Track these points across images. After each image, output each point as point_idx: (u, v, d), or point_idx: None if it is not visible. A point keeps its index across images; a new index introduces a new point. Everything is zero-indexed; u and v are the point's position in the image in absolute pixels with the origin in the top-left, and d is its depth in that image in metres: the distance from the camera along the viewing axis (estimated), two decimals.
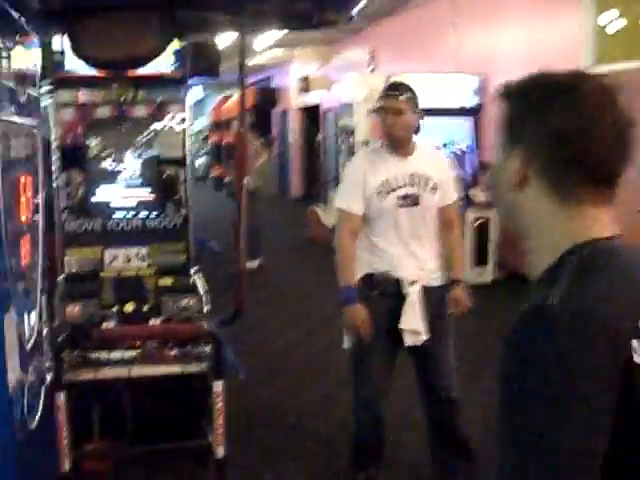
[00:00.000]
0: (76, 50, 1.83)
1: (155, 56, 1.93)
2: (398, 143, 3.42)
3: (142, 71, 4.20)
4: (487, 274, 8.20)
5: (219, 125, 21.45)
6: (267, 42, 11.34)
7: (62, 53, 4.16)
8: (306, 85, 13.33)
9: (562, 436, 1.01)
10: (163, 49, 1.89)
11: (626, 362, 1.02)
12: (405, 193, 3.40)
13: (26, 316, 1.94)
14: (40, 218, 2.20)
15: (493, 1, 8.98)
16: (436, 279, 3.53)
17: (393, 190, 3.38)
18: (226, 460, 3.50)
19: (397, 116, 3.34)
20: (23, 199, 1.92)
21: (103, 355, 3.56)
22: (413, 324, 3.38)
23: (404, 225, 3.42)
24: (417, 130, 3.45)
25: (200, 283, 4.23)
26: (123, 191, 4.43)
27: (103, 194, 4.42)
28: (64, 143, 4.29)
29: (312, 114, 14.18)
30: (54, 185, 4.30)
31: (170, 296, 4.08)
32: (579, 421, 1.01)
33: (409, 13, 10.60)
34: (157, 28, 1.83)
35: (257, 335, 6.30)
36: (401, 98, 3.36)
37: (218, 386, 3.43)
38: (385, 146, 3.47)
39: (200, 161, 22.72)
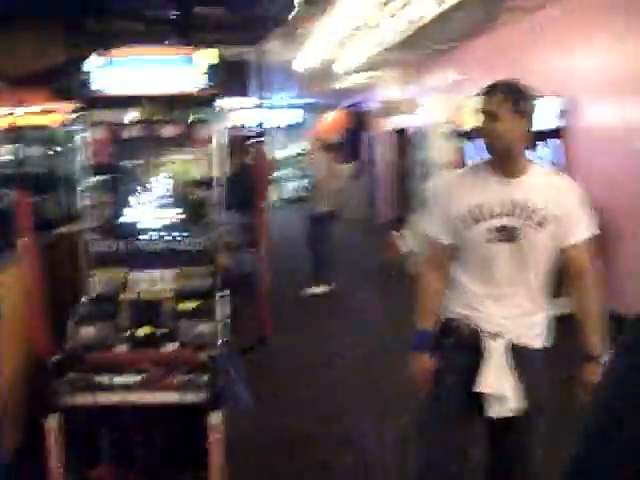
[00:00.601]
0: None
1: (63, 69, 1.80)
2: (499, 157, 2.69)
3: (173, 90, 4.17)
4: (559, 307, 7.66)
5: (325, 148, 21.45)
6: (350, 65, 11.22)
7: (91, 73, 4.16)
8: (391, 108, 13.11)
9: None
10: (71, 62, 1.75)
11: None
12: (500, 224, 2.68)
13: None
14: None
15: (582, 20, 8.51)
16: (534, 338, 2.80)
17: (485, 219, 2.70)
18: None
19: (491, 121, 2.63)
20: None
21: (104, 380, 3.46)
22: (495, 388, 2.68)
23: (496, 264, 2.73)
24: (529, 144, 2.72)
25: (221, 309, 4.09)
26: (151, 212, 4.37)
27: (131, 215, 4.37)
28: (94, 162, 4.27)
29: (400, 137, 13.95)
30: (81, 204, 4.29)
31: (187, 321, 3.95)
32: None
33: (497, 33, 10.23)
34: (60, 41, 1.71)
35: (308, 358, 6.08)
36: (495, 99, 2.64)
37: (215, 418, 3.25)
38: (489, 163, 2.75)
39: (295, 184, 22.80)
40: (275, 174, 16.55)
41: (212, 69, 4.14)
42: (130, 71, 4.20)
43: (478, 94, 2.75)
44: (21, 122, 7.27)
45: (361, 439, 4.46)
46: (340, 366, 5.98)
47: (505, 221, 2.68)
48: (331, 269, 9.07)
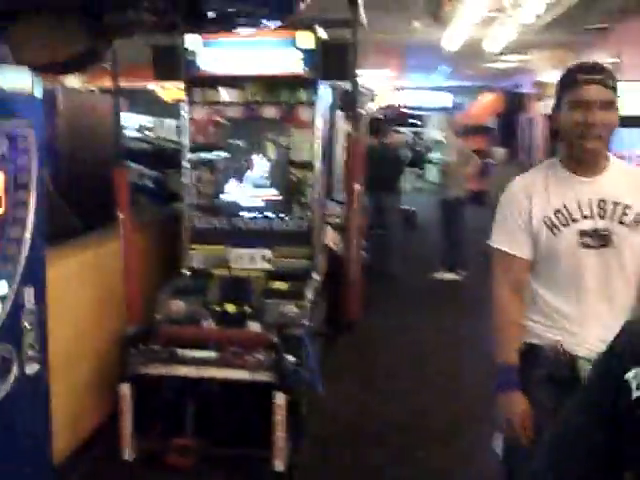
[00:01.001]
0: (13, 55, 1.79)
1: (82, 60, 1.82)
2: (589, 154, 2.31)
3: (274, 71, 4.17)
4: None
5: (469, 131, 20.91)
6: (500, 44, 10.76)
7: (194, 53, 4.23)
8: (545, 91, 12.47)
9: None
10: (90, 53, 1.77)
11: None
12: (592, 227, 2.31)
13: None
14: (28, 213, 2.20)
15: None
16: None
17: (574, 221, 2.32)
18: (289, 475, 3.30)
19: (604, 111, 2.21)
20: None
21: (181, 353, 3.53)
22: None
23: (590, 275, 2.32)
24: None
25: (312, 290, 4.06)
26: (251, 191, 4.41)
27: (231, 193, 4.42)
28: (196, 141, 4.36)
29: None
30: (184, 182, 4.39)
31: (274, 301, 3.97)
32: None
33: None
34: (77, 31, 1.72)
35: (416, 347, 5.92)
36: (608, 84, 2.22)
37: (279, 398, 3.24)
38: (565, 160, 2.37)
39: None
40: (428, 156, 16.22)
41: (311, 51, 4.08)
42: (233, 52, 4.23)
43: (575, 80, 2.25)
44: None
45: (457, 438, 4.28)
46: (450, 359, 5.77)
47: (597, 223, 2.29)
48: (462, 256, 8.78)
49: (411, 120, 18.92)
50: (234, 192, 4.42)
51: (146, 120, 11.78)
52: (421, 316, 6.74)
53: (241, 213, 4.40)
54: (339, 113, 7.56)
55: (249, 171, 4.40)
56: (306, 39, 4.10)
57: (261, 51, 4.20)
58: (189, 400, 3.74)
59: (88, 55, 1.80)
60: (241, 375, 3.40)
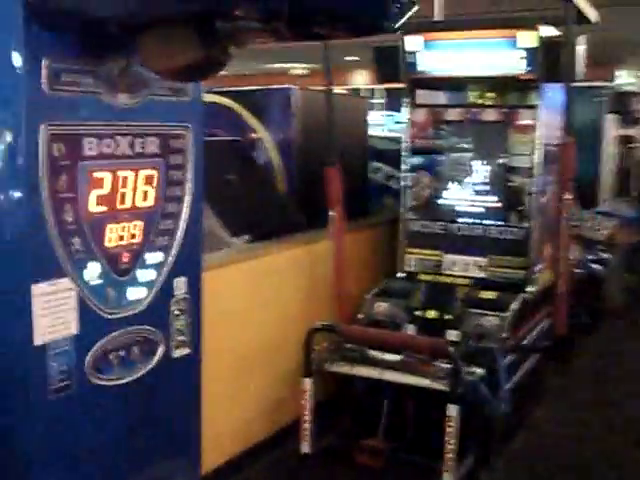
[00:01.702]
0: (142, 62, 1.95)
1: (200, 67, 1.89)
2: None
3: (494, 73, 4.02)
4: None
5: None
6: None
7: (415, 54, 4.21)
8: None
9: None
10: (207, 60, 1.84)
11: None
12: None
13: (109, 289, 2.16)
14: (184, 207, 2.38)
15: None
16: None
17: None
18: None
19: None
20: (125, 190, 2.14)
21: (368, 353, 3.56)
22: None
23: None
24: None
25: (520, 303, 3.86)
26: (470, 197, 4.29)
27: (449, 198, 4.34)
28: (415, 143, 4.34)
29: None
30: (401, 184, 4.41)
31: (477, 311, 3.84)
32: None
33: None
34: (191, 40, 1.81)
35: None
36: None
37: (451, 410, 3.12)
38: None
39: None
40: None
41: (533, 52, 3.84)
42: (454, 54, 4.14)
43: None
44: None
45: None
46: None
47: None
48: None
49: None
50: (453, 197, 4.33)
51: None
52: None
53: (459, 219, 4.29)
54: (608, 116, 7.02)
55: (468, 176, 4.28)
56: (528, 39, 3.88)
57: (482, 52, 4.05)
58: (384, 402, 3.76)
59: (205, 62, 1.89)
60: (421, 382, 3.33)
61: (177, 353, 2.42)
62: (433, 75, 4.22)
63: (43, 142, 1.91)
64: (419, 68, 4.22)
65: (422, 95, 4.32)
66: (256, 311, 3.70)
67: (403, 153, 4.37)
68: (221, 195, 4.35)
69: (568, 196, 3.79)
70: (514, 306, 3.82)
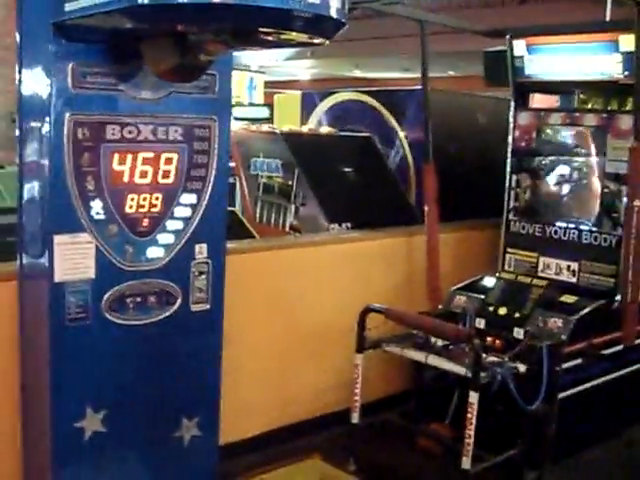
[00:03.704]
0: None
1: (181, 72, 2.33)
2: None
3: (595, 77, 4.05)
4: None
5: None
6: None
7: (523, 58, 4.31)
8: None
9: None
10: (184, 66, 2.28)
11: None
12: None
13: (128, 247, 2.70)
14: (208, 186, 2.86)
15: None
16: None
17: None
18: (471, 473, 3.34)
19: None
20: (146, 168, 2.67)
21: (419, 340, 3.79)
22: None
23: None
24: None
25: (589, 309, 3.87)
26: (565, 200, 4.32)
27: (546, 201, 4.39)
28: (517, 146, 4.44)
29: None
30: (506, 186, 4.52)
31: (546, 312, 3.90)
32: None
33: None
34: (168, 49, 2.25)
35: None
36: None
37: (472, 397, 3.29)
38: None
39: None
40: None
41: (631, 55, 3.78)
42: (556, 58, 4.17)
43: None
44: None
45: None
46: None
47: None
48: None
49: None
50: (552, 200, 4.37)
51: None
52: None
53: (556, 222, 4.33)
54: None
55: (567, 181, 4.30)
56: (630, 42, 3.84)
57: (584, 56, 4.06)
58: (455, 389, 3.95)
59: (185, 66, 2.36)
60: (453, 368, 3.51)
61: (196, 307, 2.91)
62: (537, 79, 4.28)
63: (68, 128, 2.49)
64: (524, 72, 4.30)
65: (526, 99, 4.40)
66: (342, 291, 4.10)
67: (508, 155, 4.47)
68: (329, 185, 4.80)
69: (638, 203, 3.71)
70: (584, 311, 3.82)
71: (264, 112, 10.91)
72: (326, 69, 20.27)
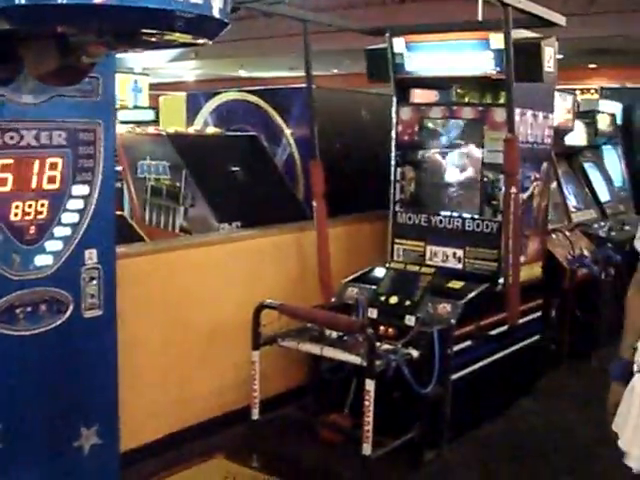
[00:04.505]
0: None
1: (62, 74, 2.31)
2: None
3: (469, 73, 4.23)
4: None
5: None
6: None
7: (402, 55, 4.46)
8: None
9: None
10: (66, 68, 2.26)
11: None
12: None
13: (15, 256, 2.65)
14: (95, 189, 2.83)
15: None
16: None
17: None
18: (372, 459, 3.44)
19: None
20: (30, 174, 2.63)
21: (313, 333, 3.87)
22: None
23: None
24: None
25: (475, 292, 4.05)
26: (448, 191, 4.50)
27: (431, 192, 4.57)
28: (401, 140, 4.59)
29: None
30: (391, 178, 4.67)
31: (435, 298, 4.05)
32: None
33: None
34: (46, 52, 2.22)
35: None
36: None
37: (368, 384, 3.38)
38: None
39: None
40: None
41: (501, 52, 3.99)
42: (433, 55, 4.35)
43: None
44: None
45: None
46: None
47: None
48: None
49: None
50: (435, 191, 4.55)
51: None
52: None
53: (440, 212, 4.50)
54: None
55: (449, 172, 4.48)
56: (500, 40, 4.04)
57: (459, 53, 4.25)
58: (352, 378, 4.03)
59: (68, 69, 2.33)
60: (349, 358, 3.60)
61: (88, 314, 2.87)
62: (415, 75, 4.44)
63: None
64: (404, 68, 4.45)
65: (407, 94, 4.57)
66: (236, 289, 4.12)
67: (392, 149, 4.62)
68: (217, 185, 4.81)
69: (514, 190, 3.93)
70: (470, 295, 4.00)
71: (150, 114, 10.73)
72: (211, 70, 20.19)
